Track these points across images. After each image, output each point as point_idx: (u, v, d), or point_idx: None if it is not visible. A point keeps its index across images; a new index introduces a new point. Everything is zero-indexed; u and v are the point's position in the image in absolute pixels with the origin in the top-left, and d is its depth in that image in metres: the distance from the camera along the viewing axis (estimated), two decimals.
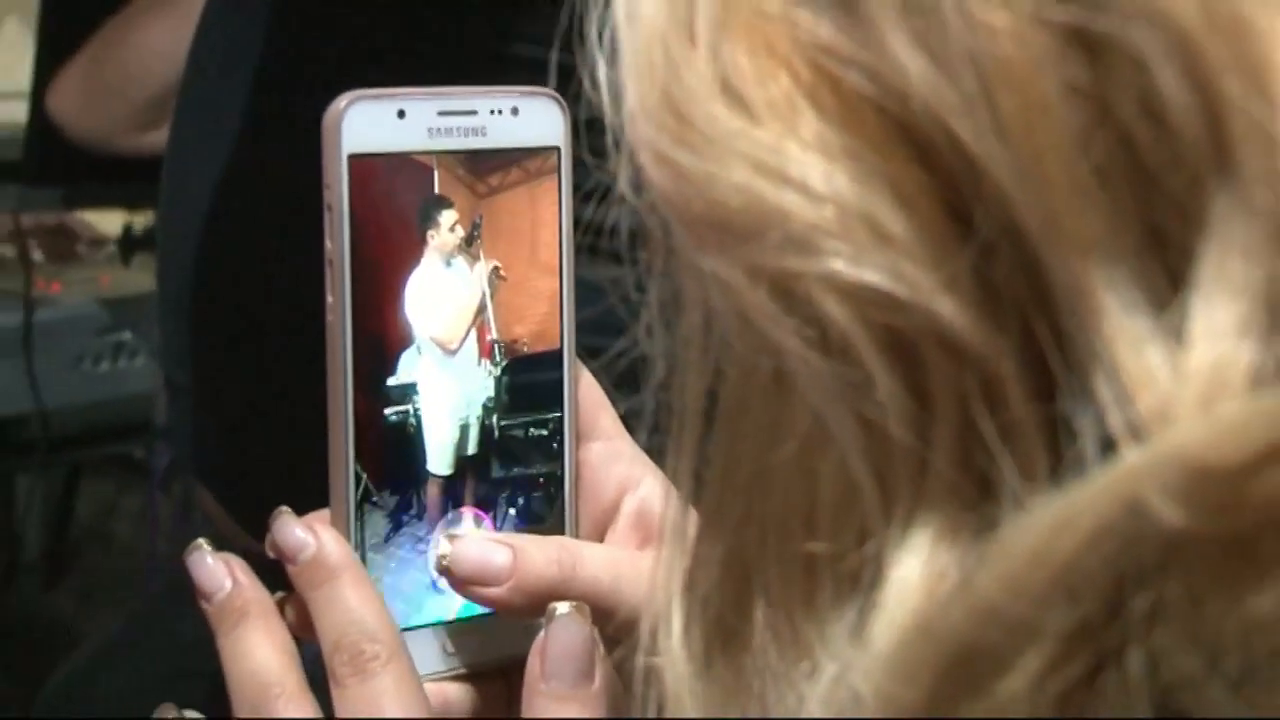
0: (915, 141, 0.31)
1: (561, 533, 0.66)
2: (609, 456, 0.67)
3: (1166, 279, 0.29)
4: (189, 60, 1.48)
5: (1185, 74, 0.28)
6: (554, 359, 0.66)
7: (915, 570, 0.32)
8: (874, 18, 0.31)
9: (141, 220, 2.40)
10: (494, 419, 0.65)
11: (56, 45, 2.16)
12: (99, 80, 2.06)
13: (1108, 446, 0.29)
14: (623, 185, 0.36)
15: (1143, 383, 0.29)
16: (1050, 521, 0.29)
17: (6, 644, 2.55)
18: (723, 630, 0.37)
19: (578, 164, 0.64)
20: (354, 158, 0.62)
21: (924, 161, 0.31)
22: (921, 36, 0.30)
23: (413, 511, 0.64)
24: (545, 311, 0.66)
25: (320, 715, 0.59)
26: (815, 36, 0.32)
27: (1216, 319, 0.28)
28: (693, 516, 0.39)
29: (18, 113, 2.32)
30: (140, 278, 2.27)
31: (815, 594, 0.34)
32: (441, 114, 0.63)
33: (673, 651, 0.38)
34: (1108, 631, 0.29)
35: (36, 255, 2.34)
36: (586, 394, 0.67)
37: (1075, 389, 0.30)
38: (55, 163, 2.20)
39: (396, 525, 0.64)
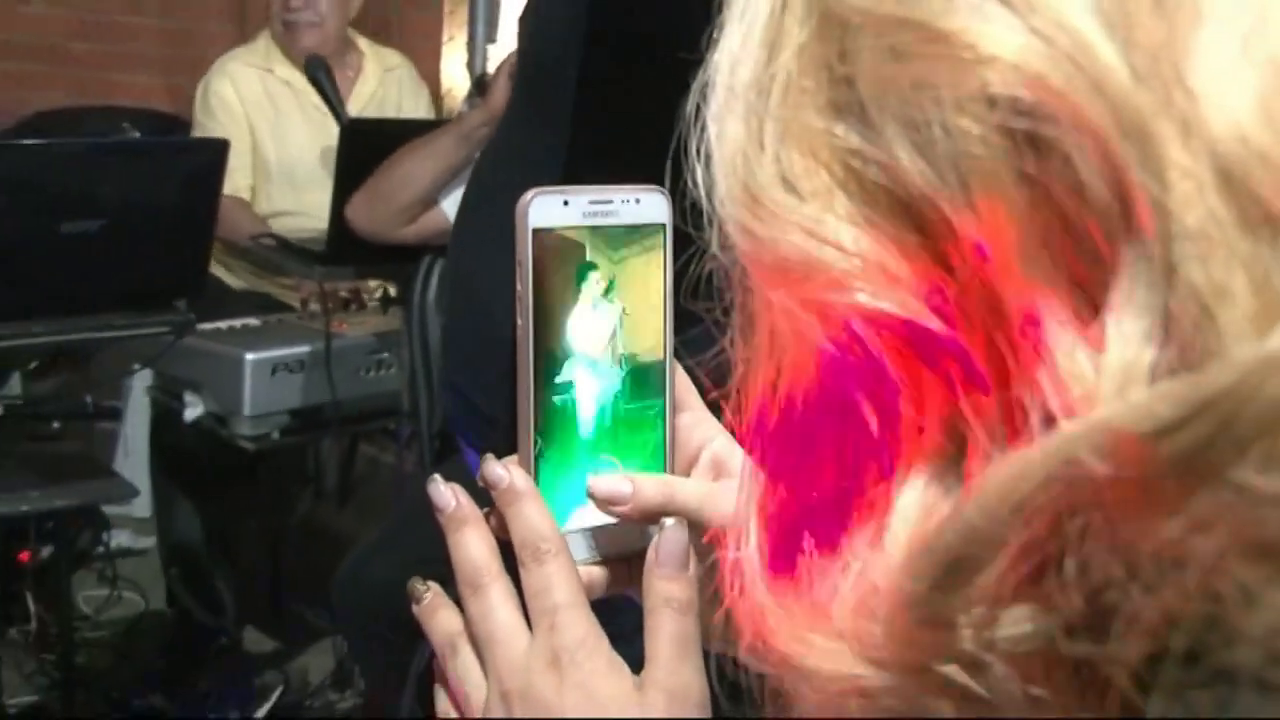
0: (914, 215, 0.29)
1: (663, 472, 0.64)
2: (693, 422, 0.65)
3: (1088, 306, 0.27)
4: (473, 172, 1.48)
5: (1103, 167, 0.26)
6: (659, 365, 0.64)
7: (913, 502, 0.30)
8: (886, 132, 0.29)
9: (393, 287, 2.40)
10: (620, 403, 0.63)
11: (347, 180, 2.19)
12: (377, 195, 2.09)
13: (1048, 422, 0.27)
14: (714, 247, 0.34)
15: (1073, 376, 0.27)
16: (1014, 469, 0.27)
17: (314, 546, 2.55)
18: (784, 540, 0.35)
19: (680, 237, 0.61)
20: (536, 231, 0.60)
21: (920, 228, 0.30)
22: (918, 145, 0.29)
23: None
24: (654, 334, 0.63)
25: (512, 589, 0.58)
26: (846, 144, 0.30)
27: (1126, 332, 0.26)
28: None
29: (322, 223, 2.36)
30: (392, 321, 2.27)
31: (846, 516, 0.32)
32: (591, 202, 0.61)
33: (750, 551, 0.36)
34: (1050, 545, 0.27)
35: (333, 307, 2.35)
36: (680, 383, 0.65)
37: (1025, 381, 0.28)
38: (344, 252, 2.23)
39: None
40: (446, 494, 0.59)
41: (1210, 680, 0.26)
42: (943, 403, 0.30)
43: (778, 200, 0.31)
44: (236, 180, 2.57)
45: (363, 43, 2.73)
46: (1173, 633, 0.26)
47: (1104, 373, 0.26)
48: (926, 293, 0.29)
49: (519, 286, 0.60)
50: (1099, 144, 0.26)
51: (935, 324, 0.29)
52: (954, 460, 0.30)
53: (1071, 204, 0.27)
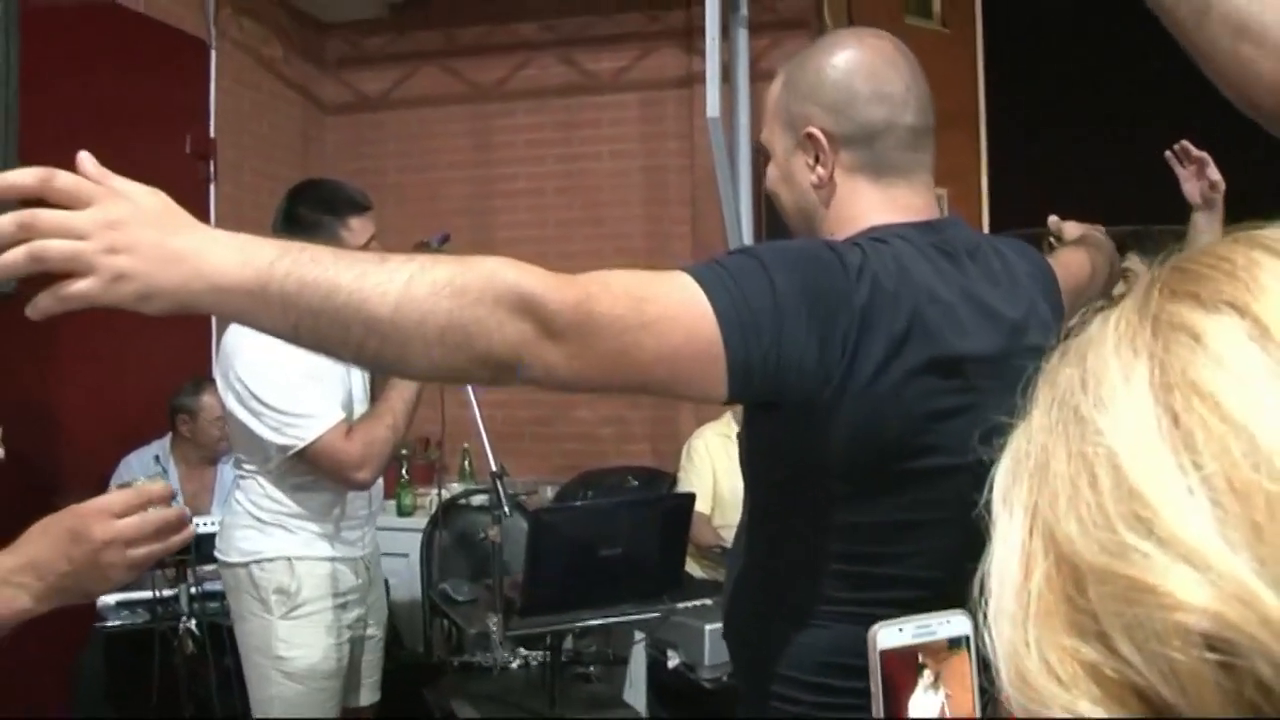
0: (1139, 693, 0.28)
1: None
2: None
3: None
4: None
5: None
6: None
7: None
8: (1117, 644, 0.28)
9: None
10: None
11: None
12: None
13: None
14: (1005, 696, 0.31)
15: None
16: None
17: None
18: None
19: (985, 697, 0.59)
20: (882, 651, 0.60)
21: (1144, 700, 0.28)
22: (1143, 655, 0.28)
23: None
24: (968, 707, 0.61)
25: None
26: (1088, 657, 0.28)
27: None
28: None
29: None
30: None
31: None
32: (918, 627, 0.60)
33: None
34: None
35: None
36: None
37: None
38: None
39: None
40: None
41: None
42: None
43: (1044, 686, 0.29)
44: (702, 505, 2.79)
45: None
46: None
47: None
48: None
49: (873, 687, 0.59)
50: (1273, 661, 0.25)
51: None
52: None
53: (1260, 696, 0.26)
